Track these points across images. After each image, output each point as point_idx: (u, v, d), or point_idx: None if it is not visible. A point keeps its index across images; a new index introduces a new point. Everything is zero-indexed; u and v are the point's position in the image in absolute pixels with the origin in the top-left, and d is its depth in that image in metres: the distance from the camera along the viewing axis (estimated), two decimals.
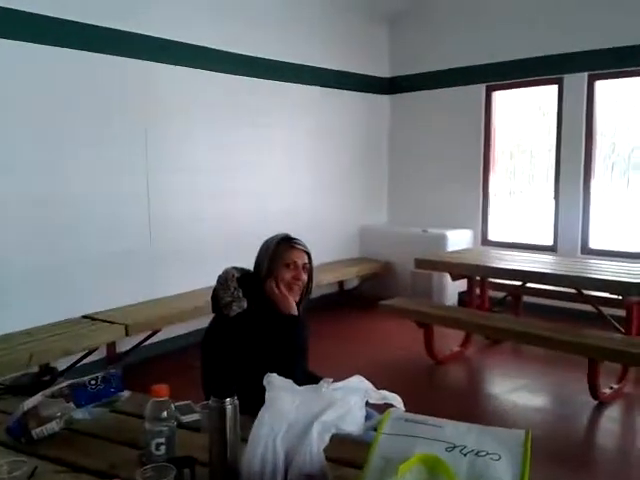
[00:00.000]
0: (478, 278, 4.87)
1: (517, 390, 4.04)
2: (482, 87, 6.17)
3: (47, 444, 1.58)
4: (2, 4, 3.61)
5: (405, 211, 6.86)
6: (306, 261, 2.15)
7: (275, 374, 1.35)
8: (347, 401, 1.28)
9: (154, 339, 4.40)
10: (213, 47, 4.91)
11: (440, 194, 6.51)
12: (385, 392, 1.37)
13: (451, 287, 5.74)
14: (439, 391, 4.10)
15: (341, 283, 6.36)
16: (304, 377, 1.93)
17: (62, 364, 3.72)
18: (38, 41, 3.81)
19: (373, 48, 6.61)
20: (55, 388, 1.71)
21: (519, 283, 4.86)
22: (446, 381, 4.36)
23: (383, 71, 6.73)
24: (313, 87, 5.90)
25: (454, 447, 1.21)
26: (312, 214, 5.92)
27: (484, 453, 1.19)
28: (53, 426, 1.62)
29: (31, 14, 3.75)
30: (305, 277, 2.14)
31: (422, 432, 1.26)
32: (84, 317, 4.12)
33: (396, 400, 1.37)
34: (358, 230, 6.63)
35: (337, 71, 6.12)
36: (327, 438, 1.30)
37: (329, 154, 6.17)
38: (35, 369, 3.16)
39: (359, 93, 6.46)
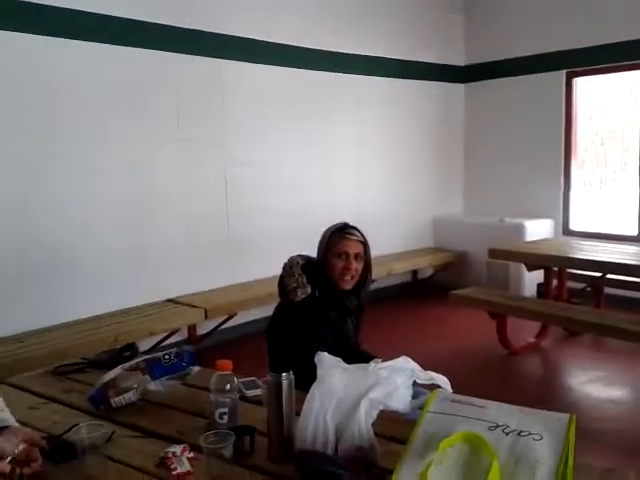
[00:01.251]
0: (556, 269, 4.74)
1: (593, 382, 3.93)
2: (562, 74, 5.95)
3: (124, 412, 1.74)
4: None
5: (482, 201, 6.73)
6: (359, 251, 2.20)
7: (325, 353, 1.43)
8: (393, 380, 1.34)
9: (231, 323, 4.60)
10: (287, 43, 5.03)
11: (519, 183, 6.35)
12: (432, 373, 1.42)
13: (529, 278, 5.60)
14: (511, 381, 4.05)
15: (415, 273, 6.36)
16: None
17: (146, 344, 3.97)
18: (135, 45, 4.10)
19: (448, 36, 6.51)
20: (133, 362, 1.87)
21: (599, 274, 4.69)
22: (519, 371, 4.29)
23: (458, 59, 6.63)
24: (385, 78, 5.90)
25: (497, 426, 1.24)
26: (385, 204, 5.94)
27: (526, 433, 1.22)
28: (130, 396, 1.78)
29: (131, 20, 4.03)
30: (358, 266, 2.19)
31: (466, 412, 1.30)
32: (168, 300, 4.37)
33: (443, 381, 1.41)
34: (432, 220, 6.59)
35: (411, 61, 6.09)
36: (375, 414, 1.37)
37: (403, 144, 6.16)
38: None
39: (433, 82, 6.39)
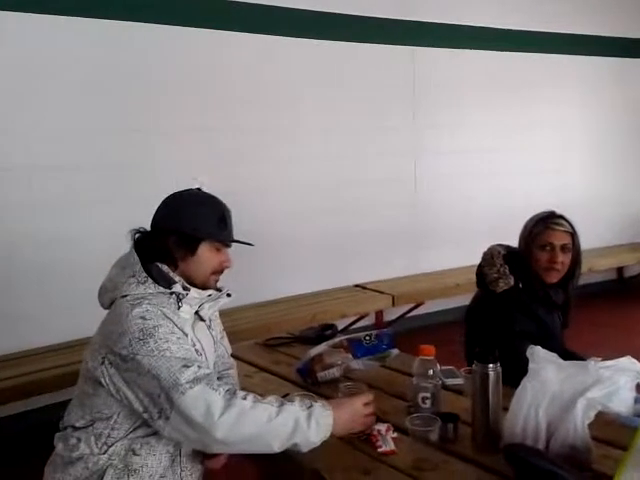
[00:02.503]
0: None
1: None
2: None
3: (328, 386, 1.83)
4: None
5: None
6: (566, 242, 2.04)
7: (539, 347, 1.37)
8: (615, 380, 1.25)
9: (417, 311, 4.61)
10: (479, 25, 4.84)
11: None
12: None
13: None
14: None
15: (620, 270, 5.82)
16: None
17: (338, 326, 4.12)
18: (304, 35, 4.19)
19: None
20: (337, 340, 1.97)
21: None
22: None
23: None
24: (587, 57, 5.42)
25: None
26: (587, 193, 5.48)
27: None
28: (334, 372, 1.87)
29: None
30: (564, 259, 2.04)
31: None
32: (356, 286, 4.50)
33: None
34: None
35: (617, 37, 5.52)
36: (592, 415, 1.29)
37: (609, 127, 5.63)
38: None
39: None
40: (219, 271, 1.61)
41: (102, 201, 3.44)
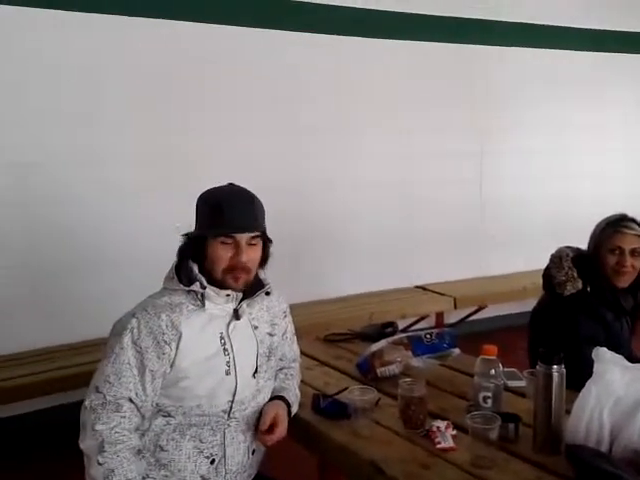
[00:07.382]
0: None
1: None
2: None
3: (387, 382, 1.84)
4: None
5: None
6: (636, 246, 2.00)
7: (605, 348, 1.35)
8: None
9: (479, 316, 4.53)
10: (553, 24, 4.76)
11: None
12: None
13: None
14: None
15: None
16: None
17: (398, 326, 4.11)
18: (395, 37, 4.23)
19: None
20: (397, 337, 1.99)
21: None
22: None
23: None
24: None
25: None
26: None
27: None
28: (394, 368, 1.89)
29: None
30: (634, 262, 1.99)
31: None
32: (417, 287, 4.47)
33: None
34: None
35: None
36: None
37: None
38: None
39: None
40: (232, 268, 1.52)
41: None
